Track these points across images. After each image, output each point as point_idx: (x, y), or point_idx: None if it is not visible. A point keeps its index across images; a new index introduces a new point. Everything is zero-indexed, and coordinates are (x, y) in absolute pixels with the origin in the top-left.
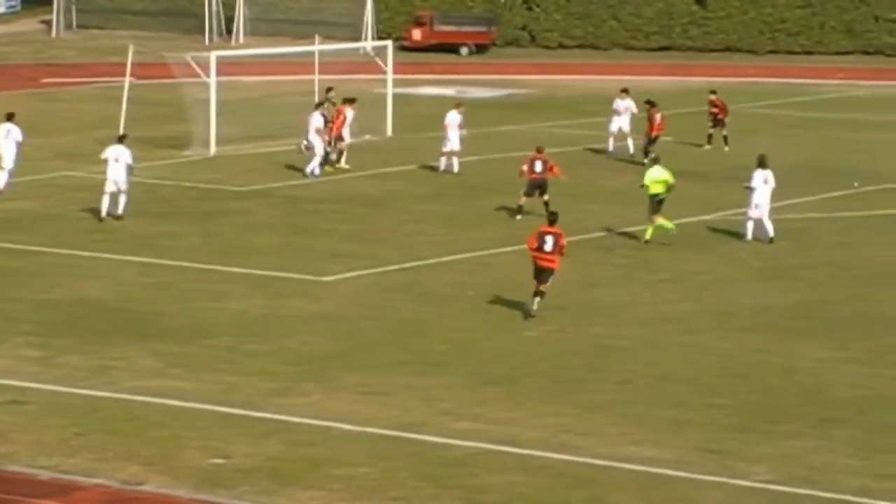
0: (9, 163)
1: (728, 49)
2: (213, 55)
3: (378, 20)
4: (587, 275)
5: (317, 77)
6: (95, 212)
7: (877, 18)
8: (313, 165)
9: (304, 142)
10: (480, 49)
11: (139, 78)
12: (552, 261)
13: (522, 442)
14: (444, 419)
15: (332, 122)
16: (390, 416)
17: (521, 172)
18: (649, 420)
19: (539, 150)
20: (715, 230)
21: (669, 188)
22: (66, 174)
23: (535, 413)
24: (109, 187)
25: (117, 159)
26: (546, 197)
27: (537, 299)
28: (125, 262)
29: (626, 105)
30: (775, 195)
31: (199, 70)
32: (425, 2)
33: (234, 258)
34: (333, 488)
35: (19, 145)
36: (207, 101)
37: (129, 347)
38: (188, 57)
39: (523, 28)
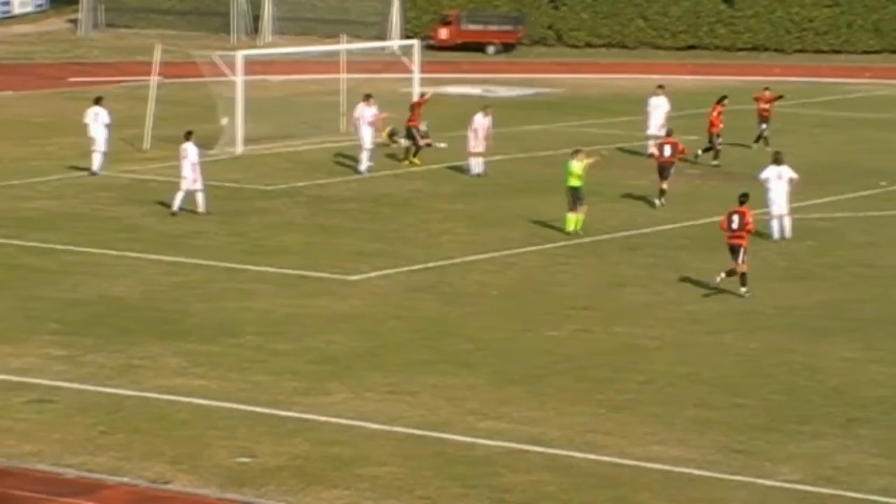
0: (101, 146)
1: (755, 48)
2: (240, 54)
3: (405, 19)
4: (613, 274)
5: (343, 76)
6: (122, 210)
7: None
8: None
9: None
10: (507, 48)
11: (166, 77)
12: (739, 237)
13: (547, 441)
14: (470, 418)
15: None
16: (416, 415)
17: (654, 156)
18: (674, 420)
19: (668, 134)
20: None
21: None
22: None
23: (561, 412)
24: (183, 184)
25: (185, 156)
26: (665, 185)
27: (743, 289)
28: (151, 261)
29: (657, 102)
30: (802, 194)
31: (225, 69)
32: (452, 1)
33: (261, 257)
34: (359, 487)
35: (108, 128)
36: (234, 100)
37: (155, 346)
38: (215, 56)
39: (550, 27)
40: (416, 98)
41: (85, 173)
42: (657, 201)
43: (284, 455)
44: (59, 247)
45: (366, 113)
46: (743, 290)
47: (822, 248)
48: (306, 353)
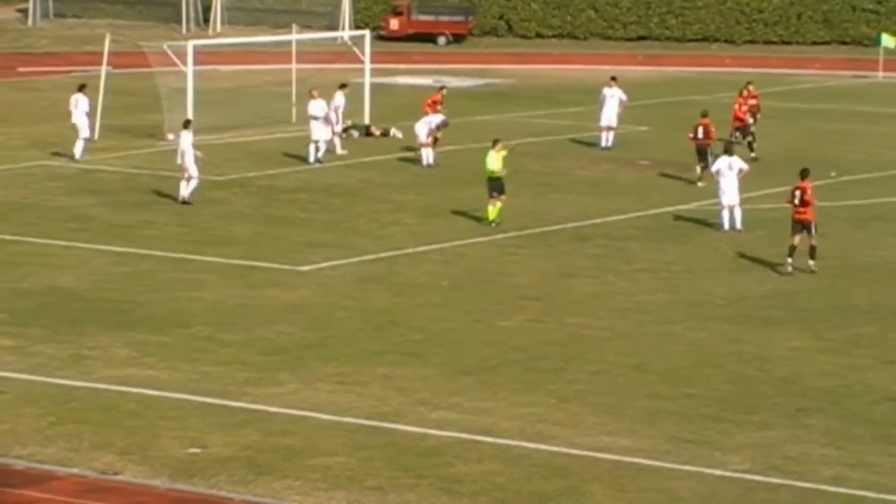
0: (82, 132)
1: (705, 39)
2: (191, 44)
3: (355, 9)
4: (563, 265)
5: (294, 66)
6: (71, 201)
7: (854, 8)
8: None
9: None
10: (458, 38)
11: (116, 67)
12: (803, 213)
13: (498, 431)
14: (420, 409)
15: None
16: (366, 405)
17: (691, 138)
18: (625, 410)
19: (703, 115)
20: (691, 220)
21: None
22: (41, 163)
23: (511, 403)
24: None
25: (181, 144)
26: (703, 164)
27: (811, 262)
28: (100, 252)
29: (610, 93)
30: (752, 184)
31: (176, 59)
32: None
33: (211, 247)
34: (310, 478)
35: (87, 115)
36: (184, 90)
37: (104, 337)
38: (165, 46)
39: (501, 17)
40: (436, 95)
41: (62, 160)
42: (699, 183)
43: (235, 445)
44: (7, 237)
45: (313, 105)
46: (811, 262)
47: (773, 238)
48: (256, 344)
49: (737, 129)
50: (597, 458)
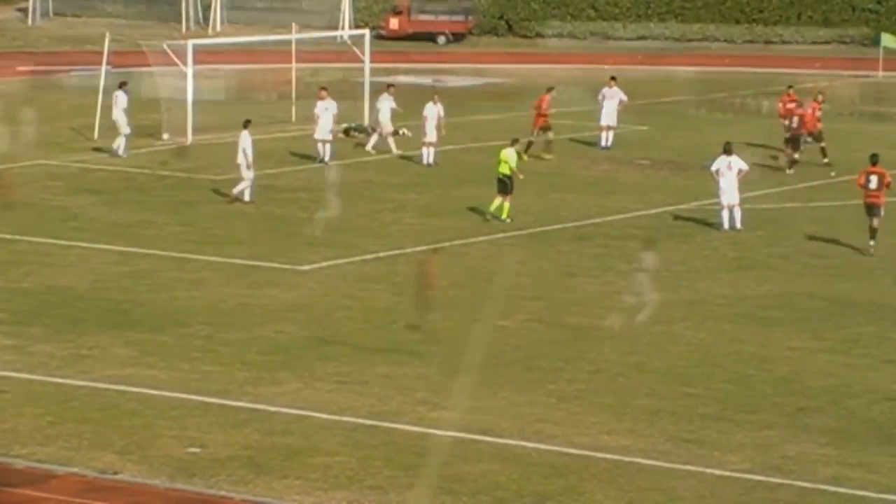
0: (121, 128)
1: (705, 39)
2: (190, 43)
3: (355, 9)
4: (563, 264)
5: (294, 65)
6: (71, 200)
7: (854, 8)
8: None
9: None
10: (457, 38)
11: (115, 66)
12: (877, 197)
13: (498, 431)
14: (420, 408)
15: (537, 112)
16: (366, 405)
17: (785, 127)
18: (624, 409)
19: (798, 105)
20: (691, 220)
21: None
22: (41, 163)
23: (511, 402)
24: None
25: (241, 145)
26: (797, 155)
27: (871, 242)
28: (100, 251)
29: (610, 93)
30: (752, 184)
31: (175, 58)
32: None
33: (211, 247)
34: (310, 477)
35: (125, 112)
36: (184, 90)
37: (104, 336)
38: (165, 45)
39: (500, 17)
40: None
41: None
42: (788, 170)
43: (235, 445)
44: (6, 236)
45: (320, 105)
46: (871, 243)
47: (772, 238)
48: (256, 343)
49: (809, 133)
50: (596, 457)
